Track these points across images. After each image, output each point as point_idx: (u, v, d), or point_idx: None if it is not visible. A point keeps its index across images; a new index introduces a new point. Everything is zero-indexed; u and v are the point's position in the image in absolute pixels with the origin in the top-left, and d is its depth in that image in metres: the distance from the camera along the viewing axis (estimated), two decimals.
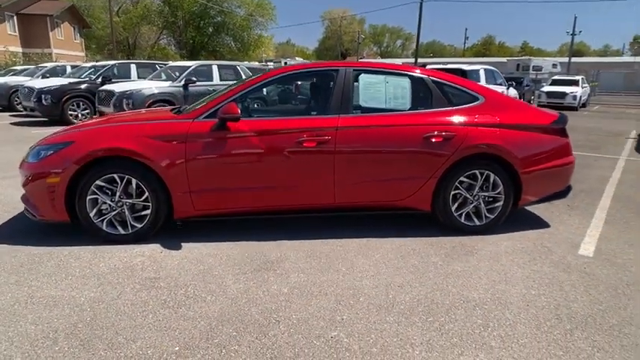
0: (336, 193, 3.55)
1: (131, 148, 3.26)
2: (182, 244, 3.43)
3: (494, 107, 3.74)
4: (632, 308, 2.60)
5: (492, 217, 3.75)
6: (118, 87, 9.90)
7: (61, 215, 3.33)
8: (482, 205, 3.73)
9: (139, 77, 12.11)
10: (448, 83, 3.75)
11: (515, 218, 3.98)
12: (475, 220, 3.75)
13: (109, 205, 3.35)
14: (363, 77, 3.67)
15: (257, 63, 20.83)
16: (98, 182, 3.28)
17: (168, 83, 10.21)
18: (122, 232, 3.39)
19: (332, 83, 3.59)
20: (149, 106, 9.58)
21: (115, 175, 3.28)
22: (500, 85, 12.57)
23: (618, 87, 37.30)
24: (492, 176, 3.67)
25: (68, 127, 4.09)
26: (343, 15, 68.49)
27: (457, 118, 3.61)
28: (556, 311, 2.57)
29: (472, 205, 3.72)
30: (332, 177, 3.49)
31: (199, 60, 28.93)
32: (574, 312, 2.56)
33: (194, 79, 10.38)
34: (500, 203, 3.73)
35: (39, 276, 2.85)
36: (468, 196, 3.70)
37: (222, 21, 33.00)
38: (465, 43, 68.61)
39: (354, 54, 73.79)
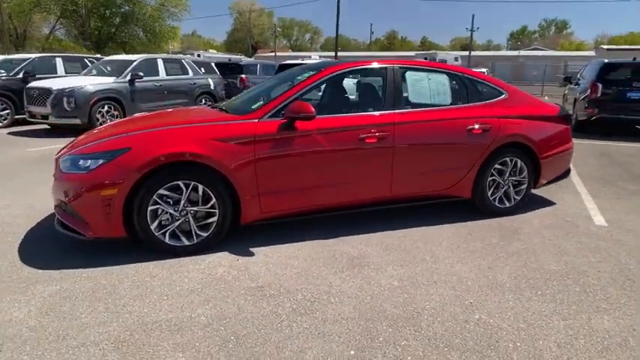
0: (393, 186, 3.68)
1: (200, 152, 3.07)
2: (250, 249, 3.32)
3: (515, 100, 4.13)
4: None
5: (519, 198, 4.17)
6: (53, 84, 8.85)
7: (118, 231, 3.03)
8: (512, 188, 4.12)
9: (66, 72, 10.93)
10: (479, 80, 4.06)
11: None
12: (506, 202, 4.13)
13: (171, 215, 3.12)
14: (409, 74, 3.82)
15: (190, 55, 19.74)
16: (161, 191, 3.04)
17: (112, 79, 9.38)
18: (186, 242, 3.18)
19: (384, 80, 3.68)
20: (94, 105, 8.76)
21: (180, 182, 3.07)
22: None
23: (507, 77, 41.70)
24: (519, 162, 4.07)
25: (95, 130, 3.67)
26: (252, 7, 67.34)
27: (491, 111, 3.94)
28: (621, 272, 2.99)
29: (503, 189, 4.09)
30: (390, 171, 3.61)
31: (107, 52, 26.70)
32: (633, 272, 3.00)
33: (141, 74, 9.67)
34: (525, 186, 4.16)
35: (128, 300, 2.59)
36: (500, 181, 4.06)
37: (130, 10, 30.58)
38: (370, 37, 71.52)
39: (264, 47, 73.11)
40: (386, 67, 3.73)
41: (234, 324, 2.35)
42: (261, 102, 3.56)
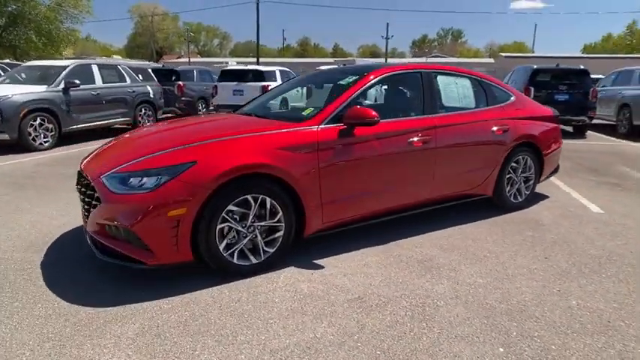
0: (433, 188, 3.79)
1: (271, 163, 2.89)
2: (314, 261, 3.20)
3: (521, 103, 4.49)
4: None
5: (528, 193, 4.52)
6: None
7: (185, 255, 2.74)
8: (522, 184, 4.46)
9: None
10: (493, 84, 4.34)
11: None
12: (518, 197, 4.46)
13: (238, 233, 2.89)
14: (440, 79, 3.96)
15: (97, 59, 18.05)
16: (230, 207, 2.81)
17: (42, 88, 8.34)
18: (254, 261, 2.97)
19: (422, 84, 3.77)
20: (24, 117, 7.73)
21: (249, 197, 2.86)
22: None
23: None
24: (529, 159, 4.42)
25: (120, 142, 3.24)
26: (154, 11, 64.01)
27: (506, 113, 4.24)
28: (633, 238, 3.41)
29: (517, 185, 4.41)
30: (432, 173, 3.72)
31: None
32: None
33: (77, 81, 8.74)
34: (532, 181, 4.53)
35: (233, 329, 2.36)
36: (515, 178, 4.37)
37: (19, 10, 27.09)
38: (283, 43, 71.94)
39: (170, 52, 69.94)
40: (426, 72, 3.84)
41: (368, 339, 2.26)
42: (312, 108, 3.44)
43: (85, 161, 3.34)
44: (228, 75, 12.53)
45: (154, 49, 64.05)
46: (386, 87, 3.62)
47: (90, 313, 2.50)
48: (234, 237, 2.89)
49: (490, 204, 4.38)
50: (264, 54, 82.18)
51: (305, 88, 4.70)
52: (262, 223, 2.96)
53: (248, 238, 2.93)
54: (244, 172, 2.80)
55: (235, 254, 2.89)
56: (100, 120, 9.52)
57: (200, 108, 13.34)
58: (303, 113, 3.41)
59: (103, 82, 9.65)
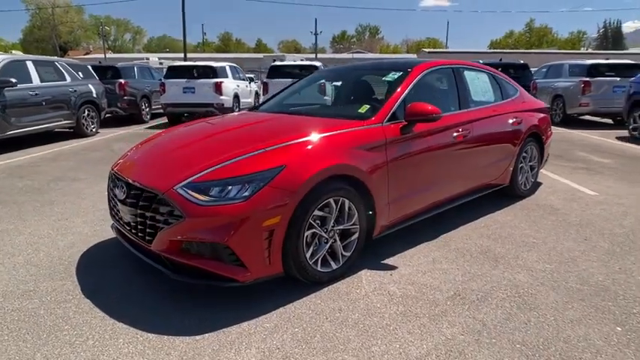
0: (469, 180, 3.89)
1: (351, 164, 2.79)
2: (382, 262, 3.16)
3: (525, 97, 4.77)
4: None
5: (533, 180, 4.83)
6: None
7: (276, 267, 2.55)
8: (530, 172, 4.75)
9: None
10: (504, 79, 4.55)
11: None
12: (527, 185, 4.74)
13: (319, 239, 2.76)
14: (467, 73, 4.05)
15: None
16: (316, 212, 2.66)
17: None
18: (334, 267, 2.84)
19: (456, 79, 3.84)
20: None
21: (331, 199, 2.73)
22: (243, 80, 13.42)
23: None
24: (534, 149, 4.72)
25: (166, 144, 2.89)
26: (55, 2, 58.29)
27: (518, 106, 4.48)
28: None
29: (526, 174, 4.68)
30: (469, 165, 3.82)
31: None
32: None
33: (13, 80, 7.73)
34: (536, 170, 4.85)
35: (360, 341, 2.24)
36: (525, 166, 4.64)
37: None
38: (203, 38, 69.23)
39: (75, 48, 64.33)
40: (456, 67, 3.92)
41: (498, 333, 2.27)
42: (366, 106, 3.34)
43: (123, 167, 2.96)
44: (176, 72, 11.81)
45: (57, 44, 58.47)
46: (427, 82, 3.62)
47: (188, 342, 2.22)
48: (316, 243, 2.74)
49: (497, 193, 4.54)
50: (180, 49, 78.54)
51: (329, 85, 4.55)
52: (341, 227, 2.84)
53: (329, 244, 2.79)
54: (330, 173, 2.66)
55: (319, 262, 2.75)
56: (40, 124, 8.52)
57: (144, 107, 12.43)
58: (360, 111, 3.31)
59: (41, 81, 8.62)
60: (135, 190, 2.68)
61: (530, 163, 4.74)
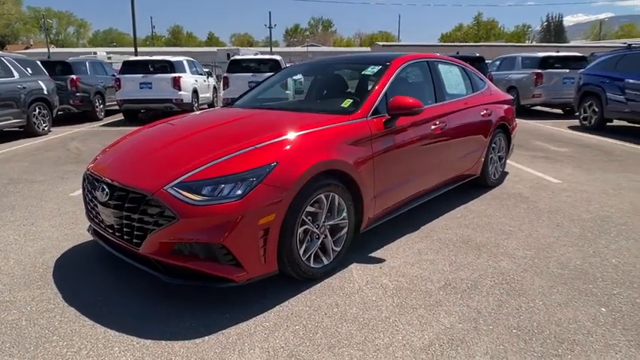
0: (444, 172, 4.00)
1: (341, 159, 2.79)
2: (370, 255, 3.19)
3: (492, 89, 4.94)
4: (616, 194, 4.37)
5: (502, 170, 5.03)
6: None
7: (270, 266, 2.52)
8: (499, 162, 4.94)
9: None
10: (474, 72, 4.69)
11: None
12: (496, 175, 4.93)
13: (311, 235, 2.75)
14: (441, 67, 4.14)
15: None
16: (308, 208, 2.65)
17: None
18: (326, 262, 2.85)
19: (430, 73, 3.92)
20: None
21: (322, 195, 2.73)
22: (201, 74, 13.10)
23: None
24: (502, 140, 4.91)
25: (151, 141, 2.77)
26: None
27: (487, 99, 4.64)
28: (623, 207, 4.06)
29: (495, 164, 4.87)
30: (445, 158, 3.92)
31: None
32: (609, 197, 4.11)
33: None
34: (504, 160, 5.05)
35: (363, 335, 2.25)
36: (495, 157, 4.82)
37: None
38: (152, 32, 66.68)
39: (14, 42, 60.38)
40: (431, 60, 3.99)
41: (493, 320, 2.36)
42: (349, 100, 3.35)
43: (102, 167, 2.82)
44: (131, 66, 11.32)
45: None
46: (405, 76, 3.67)
47: (188, 346, 2.16)
48: (308, 240, 2.73)
49: (468, 184, 4.67)
50: (128, 43, 75.26)
51: (303, 79, 4.50)
52: (331, 222, 2.85)
53: (320, 240, 2.79)
54: (322, 169, 2.66)
55: (312, 258, 2.74)
56: None
57: (97, 104, 11.85)
58: (343, 105, 3.31)
59: None
60: (119, 192, 2.55)
61: (499, 154, 4.93)
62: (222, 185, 2.36)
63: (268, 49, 48.66)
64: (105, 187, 2.62)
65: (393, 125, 3.24)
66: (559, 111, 12.10)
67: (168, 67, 11.31)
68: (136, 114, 11.98)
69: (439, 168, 3.90)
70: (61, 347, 2.15)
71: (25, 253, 3.30)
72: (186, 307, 2.51)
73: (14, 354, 2.11)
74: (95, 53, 33.87)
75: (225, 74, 11.39)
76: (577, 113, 9.52)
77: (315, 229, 2.74)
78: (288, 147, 2.63)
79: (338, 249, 2.92)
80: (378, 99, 3.26)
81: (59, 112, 10.69)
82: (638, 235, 3.51)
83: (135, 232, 2.48)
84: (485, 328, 2.28)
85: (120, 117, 12.44)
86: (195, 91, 11.91)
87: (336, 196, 2.81)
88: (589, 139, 7.98)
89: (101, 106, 12.13)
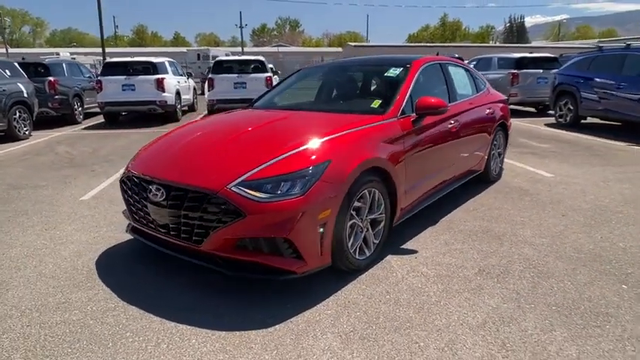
0: (457, 169, 4.25)
1: (381, 157, 2.98)
2: (401, 247, 3.39)
3: (490, 89, 5.25)
4: (606, 186, 4.77)
5: (501, 165, 5.35)
6: None
7: (325, 258, 2.68)
8: (498, 158, 5.26)
9: None
10: (476, 74, 4.98)
11: None
12: (496, 170, 5.24)
13: (357, 228, 2.92)
14: (450, 69, 4.39)
15: None
16: (355, 203, 2.82)
17: None
18: (367, 254, 3.03)
19: (443, 74, 4.16)
20: None
21: (366, 191, 2.90)
22: (182, 75, 13.04)
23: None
24: (501, 137, 5.23)
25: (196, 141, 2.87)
26: None
27: (489, 98, 4.94)
28: (613, 195, 4.43)
29: (496, 160, 5.18)
30: (458, 155, 4.18)
31: None
32: (600, 189, 4.49)
33: None
34: (502, 156, 5.37)
35: (423, 318, 2.44)
36: (495, 153, 5.13)
37: None
38: (115, 31, 64.74)
39: None
40: (443, 63, 4.24)
41: (533, 300, 2.60)
42: (378, 100, 3.54)
43: (150, 168, 2.89)
44: (113, 68, 11.11)
45: None
46: (424, 77, 3.88)
47: (263, 334, 2.29)
48: (354, 233, 2.90)
49: (471, 179, 4.94)
50: (89, 43, 72.70)
51: (322, 81, 4.61)
52: (371, 216, 3.02)
53: (363, 233, 2.96)
54: (367, 166, 2.83)
55: (357, 250, 2.91)
56: None
57: (76, 107, 11.56)
58: (373, 106, 3.49)
59: None
60: (175, 192, 2.64)
61: (498, 150, 5.24)
62: (283, 183, 2.50)
63: (234, 49, 48.28)
64: (159, 187, 2.70)
65: (420, 124, 3.45)
66: (532, 109, 12.72)
67: (150, 68, 11.17)
68: (117, 116, 11.75)
69: (453, 164, 4.14)
70: (139, 342, 2.24)
71: (61, 256, 3.31)
72: (242, 300, 2.62)
73: (95, 350, 2.18)
74: (58, 54, 32.60)
75: (210, 75, 11.36)
76: (553, 111, 10.09)
77: (360, 223, 2.91)
78: (337, 146, 2.79)
79: (377, 241, 3.10)
80: (405, 100, 3.46)
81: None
82: (634, 221, 3.86)
83: (195, 230, 2.57)
84: (528, 306, 2.52)
85: (99, 120, 12.18)
86: (178, 93, 11.80)
87: (376, 192, 2.99)
88: (567, 136, 8.50)
89: (80, 109, 11.84)
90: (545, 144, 7.68)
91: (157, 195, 2.70)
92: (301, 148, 2.72)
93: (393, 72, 3.80)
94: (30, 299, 2.68)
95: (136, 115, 12.15)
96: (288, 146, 2.74)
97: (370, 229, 3.02)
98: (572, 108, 9.37)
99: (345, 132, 2.95)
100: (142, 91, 10.88)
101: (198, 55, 34.36)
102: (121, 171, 6.02)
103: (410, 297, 2.64)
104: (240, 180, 2.50)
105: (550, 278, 2.85)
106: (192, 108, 14.02)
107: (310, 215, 2.49)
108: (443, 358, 2.08)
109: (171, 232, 2.71)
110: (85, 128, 10.84)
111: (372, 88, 4.03)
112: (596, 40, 46.38)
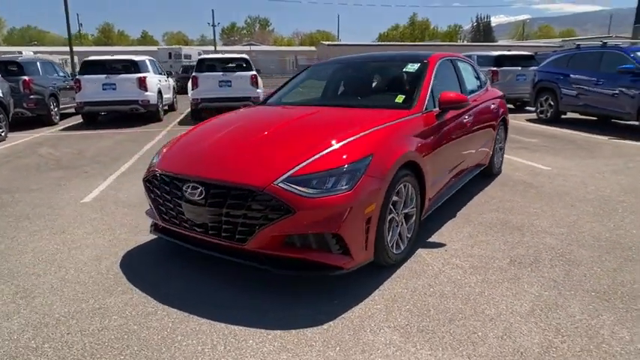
0: (467, 162, 4.33)
1: (415, 151, 3.00)
2: (428, 240, 3.43)
3: (489, 85, 5.37)
4: (602, 177, 4.98)
5: (502, 159, 5.48)
6: None
7: (369, 254, 2.68)
8: (500, 152, 5.39)
9: None
10: (479, 70, 5.07)
11: None
12: (498, 164, 5.37)
13: (394, 222, 2.93)
14: (460, 65, 4.46)
15: None
16: (394, 198, 2.83)
17: None
18: (402, 248, 3.04)
19: (454, 70, 4.22)
20: None
21: (402, 185, 2.92)
22: (162, 74, 12.74)
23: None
24: (502, 132, 5.36)
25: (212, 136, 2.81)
26: None
27: (491, 94, 5.05)
28: (610, 185, 4.62)
29: (498, 154, 5.30)
30: (470, 148, 4.25)
31: None
32: (598, 180, 4.68)
33: None
34: (503, 150, 5.50)
35: (476, 307, 2.48)
36: (498, 148, 5.25)
37: None
38: (79, 30, 62.42)
39: None
40: (454, 59, 4.30)
41: (570, 286, 2.67)
42: (401, 95, 3.55)
43: (182, 166, 2.81)
44: (92, 67, 10.72)
45: None
46: (439, 73, 3.91)
47: (319, 331, 2.26)
48: (393, 228, 2.91)
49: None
50: (48, 42, 69.77)
51: (338, 77, 4.56)
52: (405, 211, 3.04)
53: (399, 227, 2.97)
54: (405, 160, 2.84)
55: (394, 244, 2.92)
56: None
57: (52, 107, 11.09)
58: (397, 101, 3.51)
59: None
60: (216, 189, 2.57)
61: (500, 145, 5.37)
62: (330, 178, 2.48)
63: (205, 48, 47.54)
64: (196, 186, 2.62)
65: (442, 118, 3.50)
66: (511, 106, 13.07)
67: (132, 66, 10.85)
68: (96, 117, 11.36)
69: (466, 158, 4.21)
70: (193, 345, 2.17)
71: (80, 261, 3.17)
72: (283, 295, 2.59)
73: (149, 356, 2.10)
74: (20, 53, 31.23)
75: (194, 74, 11.10)
76: (533, 107, 10.41)
77: (397, 218, 2.92)
78: (376, 140, 2.79)
79: (409, 235, 3.12)
80: (428, 94, 3.49)
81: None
82: (636, 207, 4.04)
83: (238, 229, 2.52)
84: (568, 293, 2.59)
85: (76, 120, 11.73)
86: (160, 92, 11.51)
87: (410, 186, 3.01)
88: (551, 131, 8.79)
89: (56, 109, 11.37)
90: (533, 139, 7.92)
91: (194, 194, 2.62)
92: (342, 143, 2.70)
93: (411, 67, 3.82)
94: (61, 306, 2.56)
95: (116, 115, 11.78)
96: (329, 141, 2.71)
97: (404, 223, 3.03)
98: (552, 104, 9.70)
99: (380, 126, 2.95)
100: (124, 90, 10.56)
101: (170, 53, 33.62)
102: (118, 172, 5.86)
103: (453, 289, 2.67)
104: (286, 176, 2.46)
105: (580, 266, 2.94)
106: (172, 107, 13.72)
107: (358, 210, 2.48)
108: (504, 346, 2.12)
109: (210, 232, 2.64)
110: (64, 129, 10.42)
111: (392, 83, 4.04)
112: (560, 40, 48.23)
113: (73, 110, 13.23)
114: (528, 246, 3.28)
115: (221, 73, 11.08)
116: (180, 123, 11.09)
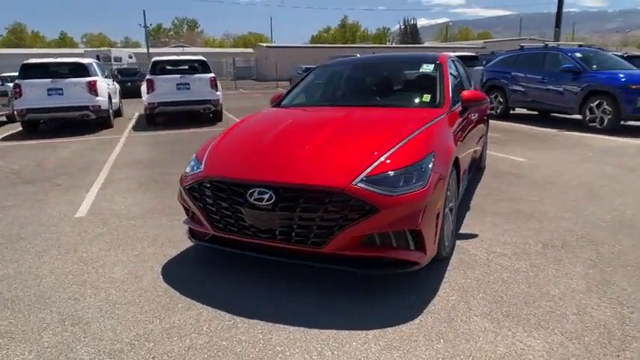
0: (473, 156, 4.58)
1: (457, 147, 3.14)
2: (460, 232, 3.59)
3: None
4: (575, 166, 5.52)
5: (485, 156, 5.84)
6: None
7: (436, 248, 2.75)
8: (486, 147, 5.73)
9: None
10: (467, 69, 5.37)
11: None
12: (484, 158, 5.71)
13: (447, 216, 3.05)
14: (458, 64, 4.69)
15: None
16: (447, 193, 2.95)
17: None
18: (446, 243, 3.15)
19: (457, 69, 4.44)
20: None
21: (450, 180, 3.04)
22: (108, 77, 12.18)
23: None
24: (485, 128, 5.71)
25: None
26: None
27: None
28: (585, 172, 5.12)
29: (485, 148, 5.64)
30: (475, 143, 4.50)
31: None
32: (572, 168, 5.19)
33: None
34: (487, 145, 5.87)
35: (525, 290, 2.65)
36: (484, 143, 5.59)
37: None
38: None
39: None
40: (455, 59, 4.51)
41: (600, 269, 2.94)
42: (428, 95, 3.68)
43: (240, 171, 2.72)
44: (33, 70, 9.81)
45: None
46: (450, 72, 4.09)
47: (412, 328, 2.30)
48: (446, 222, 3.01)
49: None
50: None
51: (356, 78, 4.55)
52: (451, 204, 3.16)
53: (449, 221, 3.09)
54: (455, 156, 2.97)
55: (448, 238, 3.02)
56: None
57: None
58: (424, 100, 3.63)
59: None
60: (288, 193, 2.52)
61: (485, 140, 5.71)
62: (404, 176, 2.53)
63: (133, 50, 45.30)
64: (264, 191, 2.55)
65: (464, 115, 3.68)
66: None
67: (80, 70, 10.08)
68: (38, 125, 10.43)
69: (474, 153, 4.44)
70: (300, 355, 2.12)
71: (116, 280, 2.95)
72: (355, 294, 2.60)
73: None
74: None
75: (149, 77, 10.54)
76: None
77: (449, 212, 3.03)
78: (432, 138, 2.88)
79: (452, 228, 3.24)
80: (452, 94, 3.66)
81: None
82: (621, 192, 4.51)
83: (315, 232, 2.49)
84: (610, 270, 2.86)
85: (12, 129, 10.70)
86: (109, 97, 10.82)
87: (454, 181, 3.14)
88: (505, 125, 9.48)
89: None
90: (495, 133, 8.47)
91: (261, 199, 2.55)
92: (404, 142, 2.76)
93: (427, 68, 3.98)
94: (126, 330, 2.37)
95: (61, 123, 10.87)
96: (392, 140, 2.76)
97: (451, 218, 3.15)
98: (502, 100, 10.45)
99: (427, 125, 3.05)
100: (73, 95, 9.78)
101: (98, 56, 31.43)
102: (98, 184, 5.44)
103: (510, 275, 2.83)
104: (362, 176, 2.47)
105: (604, 245, 3.24)
106: (118, 113, 12.92)
107: (432, 206, 2.56)
108: (585, 321, 2.30)
109: (279, 237, 2.58)
110: (3, 139, 9.45)
111: (412, 83, 4.17)
112: (482, 41, 51.76)
113: (4, 119, 12.10)
114: (551, 230, 3.55)
115: (179, 75, 10.63)
116: (135, 129, 10.49)
